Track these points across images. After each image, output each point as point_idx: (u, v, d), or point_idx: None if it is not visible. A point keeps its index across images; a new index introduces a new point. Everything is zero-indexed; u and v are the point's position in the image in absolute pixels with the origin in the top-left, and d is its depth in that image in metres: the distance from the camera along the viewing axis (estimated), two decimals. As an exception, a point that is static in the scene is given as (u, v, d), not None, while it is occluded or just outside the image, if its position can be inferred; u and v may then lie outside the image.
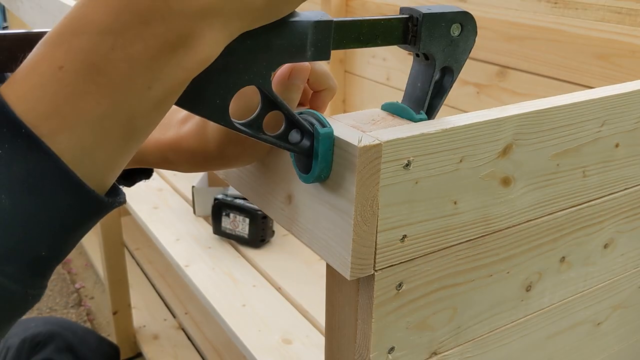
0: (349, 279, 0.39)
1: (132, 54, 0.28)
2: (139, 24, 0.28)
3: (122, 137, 0.30)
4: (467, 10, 0.40)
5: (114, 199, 0.32)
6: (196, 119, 0.43)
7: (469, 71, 1.30)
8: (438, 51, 0.40)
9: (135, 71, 0.29)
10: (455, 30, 0.40)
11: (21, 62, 0.30)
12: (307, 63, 0.40)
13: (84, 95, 0.28)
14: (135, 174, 0.51)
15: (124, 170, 0.50)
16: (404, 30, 0.39)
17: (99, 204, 0.31)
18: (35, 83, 0.28)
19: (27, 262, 0.29)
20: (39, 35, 0.33)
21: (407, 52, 0.41)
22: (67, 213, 0.29)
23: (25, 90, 0.28)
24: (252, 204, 1.34)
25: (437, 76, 0.41)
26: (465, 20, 0.40)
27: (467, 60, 0.42)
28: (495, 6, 1.22)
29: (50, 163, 0.28)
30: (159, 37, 0.29)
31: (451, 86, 0.42)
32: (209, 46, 0.30)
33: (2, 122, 0.28)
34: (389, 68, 1.55)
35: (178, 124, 0.44)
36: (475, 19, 0.41)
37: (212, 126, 0.41)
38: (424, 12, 0.39)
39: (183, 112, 0.44)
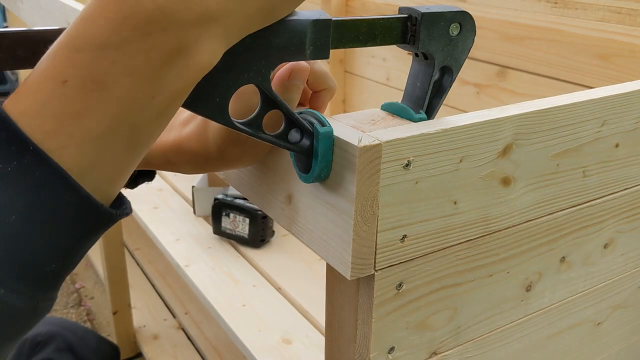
0: (349, 279, 0.39)
1: (134, 68, 0.29)
2: (138, 37, 0.28)
3: (127, 148, 0.30)
4: (466, 10, 0.40)
5: (120, 210, 0.32)
6: (197, 120, 0.43)
7: (469, 71, 1.30)
8: (437, 50, 0.40)
9: (138, 84, 0.29)
10: (454, 30, 0.40)
11: (21, 60, 0.30)
12: (306, 64, 0.40)
13: (88, 110, 0.29)
14: (138, 176, 0.51)
15: None
16: (403, 30, 0.39)
17: (107, 216, 0.31)
18: (39, 99, 0.28)
19: (38, 277, 0.29)
20: (39, 33, 0.33)
21: (407, 51, 0.41)
22: (75, 227, 0.30)
23: (29, 107, 0.28)
24: (252, 204, 1.34)
25: (436, 76, 0.41)
26: (464, 20, 0.40)
27: (467, 60, 0.42)
28: (495, 6, 1.22)
29: (58, 178, 0.28)
30: (160, 48, 0.29)
31: (450, 85, 0.42)
32: (209, 53, 0.31)
33: (10, 139, 0.28)
34: (389, 68, 1.55)
35: (179, 126, 0.44)
36: (475, 19, 0.41)
37: (213, 128, 0.41)
38: (422, 11, 0.39)
39: (185, 114, 0.44)
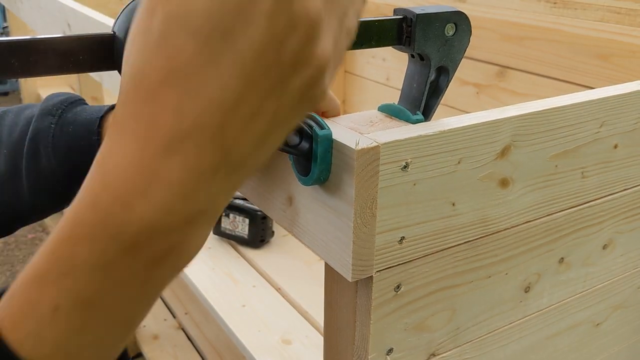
0: (350, 280, 0.39)
1: (123, 284, 0.29)
2: (125, 254, 0.28)
3: (122, 339, 0.31)
4: (466, 11, 0.40)
5: None
6: None
7: (469, 71, 1.30)
8: (433, 51, 0.40)
9: (128, 293, 0.29)
10: (449, 30, 0.40)
11: (14, 69, 0.29)
12: None
13: (83, 328, 0.29)
14: None
15: None
16: (398, 31, 0.39)
17: None
18: (33, 327, 0.29)
19: None
20: (31, 42, 0.33)
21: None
22: None
23: (25, 334, 0.29)
24: (252, 204, 1.34)
25: (432, 76, 0.41)
26: (460, 20, 0.40)
27: (467, 60, 0.42)
28: (495, 6, 1.22)
29: None
30: (147, 259, 0.29)
31: (447, 86, 0.42)
32: (198, 243, 0.31)
33: None
34: (389, 68, 1.55)
35: None
36: (475, 19, 0.41)
37: None
38: (417, 12, 0.39)
39: None
